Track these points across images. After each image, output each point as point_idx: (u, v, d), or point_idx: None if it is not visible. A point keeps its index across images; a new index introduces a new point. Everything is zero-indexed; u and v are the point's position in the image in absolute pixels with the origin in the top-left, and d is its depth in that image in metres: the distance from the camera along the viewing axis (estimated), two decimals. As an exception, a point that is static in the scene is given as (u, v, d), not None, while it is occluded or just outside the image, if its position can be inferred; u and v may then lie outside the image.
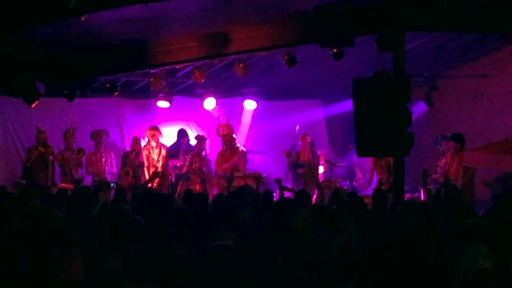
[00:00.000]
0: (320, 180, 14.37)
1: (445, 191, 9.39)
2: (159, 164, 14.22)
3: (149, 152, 14.30)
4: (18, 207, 8.55)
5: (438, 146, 13.97)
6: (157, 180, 13.67)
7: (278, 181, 10.88)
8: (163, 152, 14.33)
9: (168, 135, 15.33)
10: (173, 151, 14.83)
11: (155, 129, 14.36)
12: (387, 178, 13.37)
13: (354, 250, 5.82)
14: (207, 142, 14.88)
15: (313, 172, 14.46)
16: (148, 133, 14.35)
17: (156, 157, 14.25)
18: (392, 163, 12.76)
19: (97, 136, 14.47)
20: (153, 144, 14.26)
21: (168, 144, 14.96)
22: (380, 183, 13.53)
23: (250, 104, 15.51)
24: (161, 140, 14.48)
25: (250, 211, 7.53)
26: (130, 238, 6.19)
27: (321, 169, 14.89)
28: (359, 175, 15.63)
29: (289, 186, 13.97)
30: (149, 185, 12.98)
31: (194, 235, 6.19)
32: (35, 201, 9.05)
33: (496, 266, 4.77)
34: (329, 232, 6.29)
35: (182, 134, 15.29)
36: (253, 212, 7.71)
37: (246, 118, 16.05)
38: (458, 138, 13.29)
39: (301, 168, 14.38)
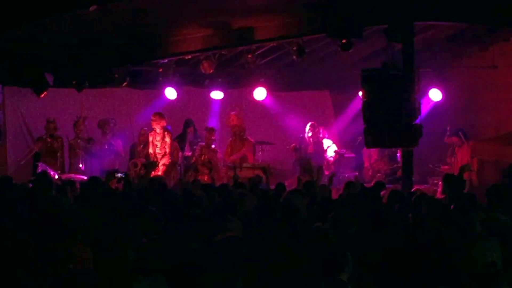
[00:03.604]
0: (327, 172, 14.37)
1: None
2: (166, 151, 14.15)
3: (153, 138, 14.28)
4: (28, 197, 8.60)
5: (446, 137, 14.05)
6: (164, 169, 13.73)
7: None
8: (167, 139, 14.24)
9: (176, 125, 15.32)
10: (179, 141, 14.83)
11: (159, 115, 14.28)
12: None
13: (352, 242, 5.84)
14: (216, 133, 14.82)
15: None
16: (152, 119, 14.30)
17: (159, 143, 14.19)
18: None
19: (104, 124, 14.49)
20: (158, 130, 14.23)
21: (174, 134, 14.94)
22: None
23: (259, 94, 15.43)
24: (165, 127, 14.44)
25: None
26: (144, 228, 6.20)
27: (330, 153, 14.66)
28: (367, 164, 15.60)
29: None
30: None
31: (202, 226, 6.22)
32: (49, 192, 9.10)
33: (506, 261, 4.75)
34: (327, 223, 6.32)
35: (187, 124, 15.28)
36: (260, 203, 7.74)
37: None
38: (459, 132, 13.46)
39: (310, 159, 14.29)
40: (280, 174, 13.94)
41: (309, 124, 14.49)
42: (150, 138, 14.21)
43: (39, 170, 12.41)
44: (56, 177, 12.21)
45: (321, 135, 14.61)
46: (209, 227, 6.20)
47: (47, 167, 12.74)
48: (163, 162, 14.05)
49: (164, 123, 14.16)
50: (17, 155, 14.32)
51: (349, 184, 9.47)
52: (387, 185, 10.33)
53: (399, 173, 13.07)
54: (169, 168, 14.01)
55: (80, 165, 13.95)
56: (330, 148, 14.61)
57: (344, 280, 4.80)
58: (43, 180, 9.77)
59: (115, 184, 11.56)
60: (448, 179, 9.08)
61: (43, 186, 9.18)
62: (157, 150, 14.09)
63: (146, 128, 14.67)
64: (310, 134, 14.31)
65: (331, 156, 14.50)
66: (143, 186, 10.25)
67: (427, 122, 11.80)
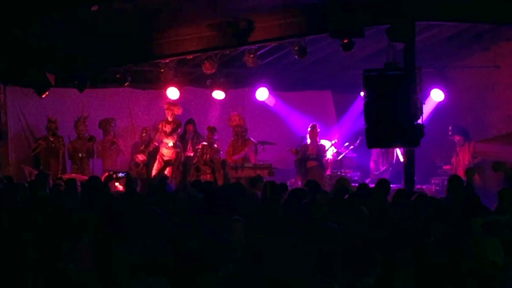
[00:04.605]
0: (328, 171, 14.36)
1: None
2: (170, 142, 14.32)
3: (163, 126, 14.46)
4: (27, 197, 8.61)
5: (450, 135, 14.07)
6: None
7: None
8: (178, 128, 14.41)
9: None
10: (180, 141, 14.89)
11: (173, 104, 14.41)
12: None
13: (361, 241, 5.81)
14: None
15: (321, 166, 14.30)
16: (166, 107, 14.50)
17: (168, 130, 14.36)
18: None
19: (105, 124, 14.52)
20: (170, 119, 14.36)
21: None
22: None
23: (262, 94, 15.43)
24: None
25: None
26: (149, 228, 6.19)
27: (329, 153, 14.66)
28: (372, 165, 15.57)
29: (299, 180, 13.95)
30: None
31: (204, 226, 6.21)
32: (44, 191, 9.11)
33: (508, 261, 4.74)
34: (337, 223, 6.31)
35: (187, 122, 15.31)
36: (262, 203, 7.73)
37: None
38: (462, 131, 13.47)
39: (310, 161, 14.22)
40: (282, 174, 13.95)
41: (310, 126, 14.48)
42: (161, 125, 14.52)
43: (26, 172, 12.54)
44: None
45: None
46: (212, 226, 6.20)
47: (33, 170, 12.85)
48: (169, 144, 14.37)
49: (177, 112, 14.26)
50: (19, 155, 14.35)
51: (338, 181, 9.42)
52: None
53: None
54: (173, 168, 14.05)
55: (81, 165, 13.96)
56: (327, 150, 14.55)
57: (369, 282, 4.65)
58: (40, 180, 9.80)
59: (114, 184, 11.59)
60: (452, 179, 9.09)
61: (40, 186, 9.20)
62: (166, 141, 14.23)
63: (148, 127, 14.73)
64: (310, 138, 14.27)
65: (330, 156, 14.47)
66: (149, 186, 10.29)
67: (429, 122, 11.78)
